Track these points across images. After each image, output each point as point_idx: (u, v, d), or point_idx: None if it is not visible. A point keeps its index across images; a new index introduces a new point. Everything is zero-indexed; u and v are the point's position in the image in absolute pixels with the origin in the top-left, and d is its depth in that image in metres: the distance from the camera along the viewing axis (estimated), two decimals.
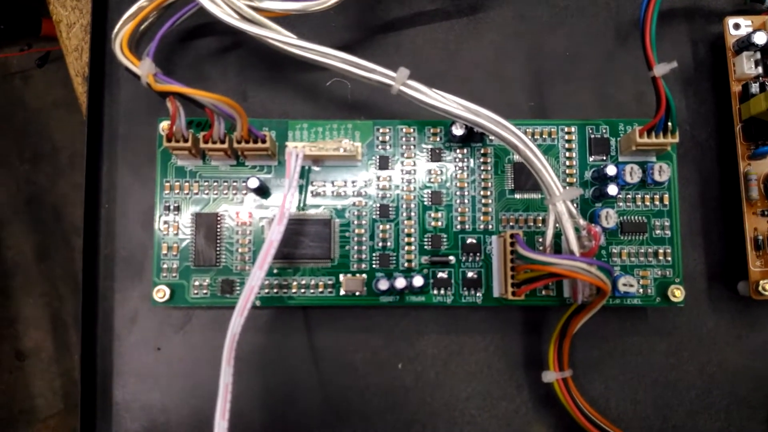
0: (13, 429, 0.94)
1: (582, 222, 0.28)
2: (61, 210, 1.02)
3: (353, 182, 0.32)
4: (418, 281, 0.29)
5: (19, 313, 0.98)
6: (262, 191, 0.31)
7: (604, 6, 0.35)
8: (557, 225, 0.28)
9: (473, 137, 0.32)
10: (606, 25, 0.35)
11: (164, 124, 0.32)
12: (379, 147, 0.32)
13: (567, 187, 0.29)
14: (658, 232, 0.31)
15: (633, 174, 0.31)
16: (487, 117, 0.29)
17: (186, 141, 0.30)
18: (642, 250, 0.31)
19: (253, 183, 0.30)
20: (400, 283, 0.29)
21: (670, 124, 0.30)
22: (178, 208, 0.31)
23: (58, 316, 0.98)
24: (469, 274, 0.31)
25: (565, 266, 0.27)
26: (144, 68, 0.28)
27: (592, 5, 0.35)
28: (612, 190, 0.30)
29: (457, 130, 0.31)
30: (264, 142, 0.30)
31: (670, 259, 0.31)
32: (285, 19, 0.30)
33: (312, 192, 0.32)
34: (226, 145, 0.30)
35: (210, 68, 0.34)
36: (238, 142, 0.30)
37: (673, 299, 0.30)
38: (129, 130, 0.34)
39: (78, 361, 0.32)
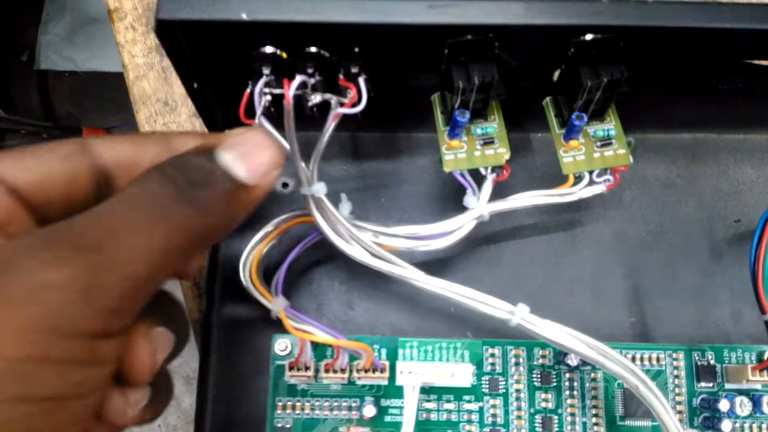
0: None
1: None
2: None
3: (461, 404, 0.32)
4: None
5: None
6: (377, 418, 0.32)
7: (698, 224, 0.36)
8: None
9: (585, 362, 0.32)
10: (700, 243, 0.36)
11: (281, 345, 0.32)
12: (489, 368, 0.32)
13: (687, 429, 0.30)
14: None
15: (743, 407, 0.31)
16: (610, 356, 0.29)
17: (308, 369, 0.30)
18: None
19: (370, 411, 0.30)
20: None
21: None
22: (289, 429, 0.31)
23: None
24: None
25: None
26: (277, 306, 0.29)
27: (686, 223, 0.36)
28: (726, 426, 0.31)
29: (572, 361, 0.31)
30: (384, 371, 0.31)
31: None
32: None
33: (419, 413, 0.32)
34: (346, 375, 0.30)
35: (317, 276, 0.35)
36: (359, 370, 0.30)
37: None
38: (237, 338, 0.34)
39: None
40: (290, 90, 0.25)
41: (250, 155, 0.20)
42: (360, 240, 0.30)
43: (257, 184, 0.20)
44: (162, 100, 0.37)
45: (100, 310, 0.16)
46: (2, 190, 0.19)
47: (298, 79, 0.25)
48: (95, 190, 0.21)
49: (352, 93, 0.27)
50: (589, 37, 0.26)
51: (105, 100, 1.29)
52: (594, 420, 0.32)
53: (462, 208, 0.31)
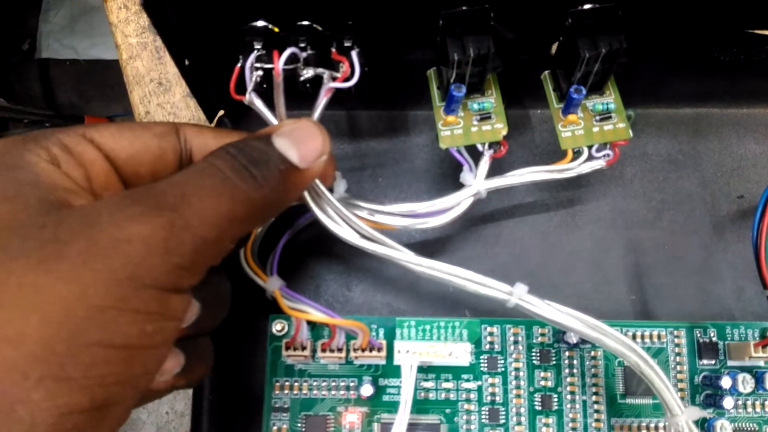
0: None
1: None
2: None
3: (460, 383, 0.32)
4: None
5: None
6: (374, 397, 0.31)
7: (700, 200, 0.35)
8: None
9: (584, 340, 0.32)
10: (702, 220, 0.35)
11: (278, 325, 0.32)
12: (487, 347, 0.32)
13: (689, 406, 0.29)
14: None
15: (745, 384, 0.31)
16: (610, 335, 0.29)
17: (305, 349, 0.30)
18: None
19: (368, 391, 0.30)
20: None
21: None
22: (287, 410, 0.31)
23: None
24: None
25: None
26: (272, 285, 0.29)
27: (688, 200, 0.35)
28: (728, 403, 0.30)
29: (571, 339, 0.31)
30: (380, 350, 0.30)
31: None
32: None
33: (418, 392, 0.32)
34: (343, 354, 0.30)
35: (315, 256, 0.35)
36: (355, 350, 0.30)
37: None
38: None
39: None
40: (280, 61, 0.24)
41: (301, 142, 0.22)
42: (351, 220, 0.29)
43: (307, 167, 0.22)
44: (156, 80, 0.36)
45: (174, 264, 0.18)
46: (102, 158, 0.21)
47: (289, 50, 0.25)
48: (178, 169, 0.23)
49: (344, 67, 0.26)
50: (587, 6, 0.26)
51: (107, 88, 1.29)
52: (594, 398, 0.31)
53: (460, 186, 0.30)
